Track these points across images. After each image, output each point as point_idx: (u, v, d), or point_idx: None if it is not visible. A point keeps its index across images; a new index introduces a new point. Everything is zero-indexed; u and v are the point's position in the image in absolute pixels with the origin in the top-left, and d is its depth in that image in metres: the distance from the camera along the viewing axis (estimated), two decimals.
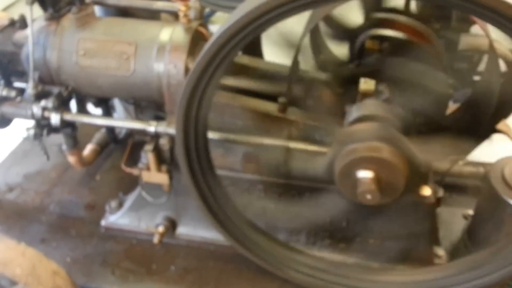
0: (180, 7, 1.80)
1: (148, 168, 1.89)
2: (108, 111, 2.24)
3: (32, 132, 1.87)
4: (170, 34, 1.82)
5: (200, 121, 1.60)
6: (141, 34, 1.86)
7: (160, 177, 1.89)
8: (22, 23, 2.01)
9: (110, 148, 2.60)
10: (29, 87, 1.86)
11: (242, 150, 1.88)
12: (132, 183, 2.49)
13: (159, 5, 1.95)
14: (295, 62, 1.85)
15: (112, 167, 2.64)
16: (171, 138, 1.83)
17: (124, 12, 2.10)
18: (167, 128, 1.80)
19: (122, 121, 1.95)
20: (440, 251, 1.96)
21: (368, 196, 1.55)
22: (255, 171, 1.94)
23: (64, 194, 2.48)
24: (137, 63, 1.82)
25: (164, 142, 1.82)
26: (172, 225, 2.13)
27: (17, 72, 2.03)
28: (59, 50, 1.87)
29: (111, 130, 2.42)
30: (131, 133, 2.50)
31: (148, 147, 1.83)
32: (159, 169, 1.88)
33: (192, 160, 1.67)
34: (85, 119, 1.89)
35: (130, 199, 2.23)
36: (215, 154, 1.90)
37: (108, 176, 2.59)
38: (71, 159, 2.21)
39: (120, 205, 2.27)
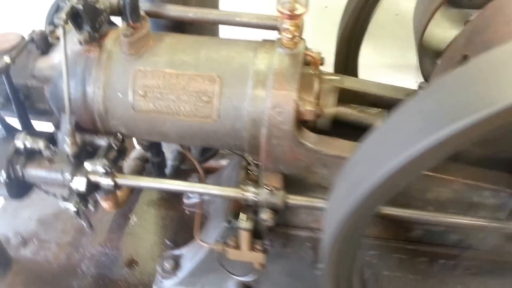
0: (285, 24, 1.25)
1: (237, 246, 1.40)
2: (158, 154, 1.71)
3: (72, 207, 1.33)
4: (269, 62, 1.29)
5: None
6: (225, 63, 1.31)
7: (254, 256, 1.40)
8: (41, 44, 1.42)
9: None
10: (66, 144, 1.31)
11: None
12: (179, 224, 2.01)
13: (247, 18, 1.39)
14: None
15: (150, 203, 2.13)
16: (273, 209, 1.33)
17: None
18: (272, 196, 1.30)
19: (203, 186, 1.42)
20: None
21: None
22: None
23: (95, 245, 1.97)
24: (222, 107, 1.29)
25: (267, 217, 1.31)
26: None
27: (37, 110, 1.47)
28: (107, 87, 1.32)
29: (158, 164, 1.87)
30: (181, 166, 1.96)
31: (243, 223, 1.33)
32: (253, 248, 1.38)
33: None
34: (151, 183, 1.36)
35: (190, 260, 1.74)
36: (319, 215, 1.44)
37: (146, 216, 2.08)
38: (106, 204, 1.68)
39: (177, 265, 1.77)
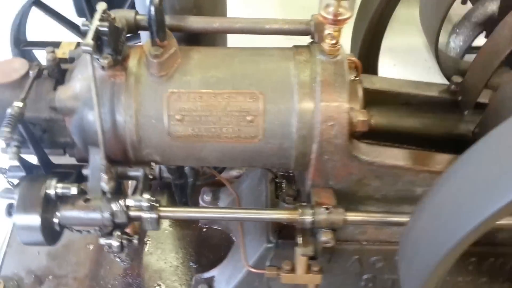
0: (328, 29, 1.17)
1: (291, 270, 1.31)
2: (181, 176, 1.60)
3: (116, 243, 1.22)
4: (312, 72, 1.20)
5: None
6: (265, 77, 1.21)
7: (310, 278, 1.32)
8: (54, 71, 1.29)
9: None
10: (102, 181, 1.19)
11: None
12: (199, 244, 1.91)
13: (277, 25, 1.29)
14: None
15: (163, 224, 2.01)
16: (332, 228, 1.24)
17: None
18: (331, 215, 1.21)
19: (256, 212, 1.31)
20: None
21: None
22: None
23: (115, 276, 1.84)
24: (268, 125, 1.19)
25: (328, 238, 1.21)
26: None
27: (56, 144, 1.34)
28: (139, 114, 1.20)
29: (181, 186, 1.75)
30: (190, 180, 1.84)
31: (301, 249, 1.24)
32: (309, 271, 1.30)
33: None
34: (197, 214, 1.26)
35: (226, 283, 1.64)
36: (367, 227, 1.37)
37: (162, 239, 1.96)
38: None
39: None
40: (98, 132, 1.16)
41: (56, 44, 2.64)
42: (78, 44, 1.49)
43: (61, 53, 1.44)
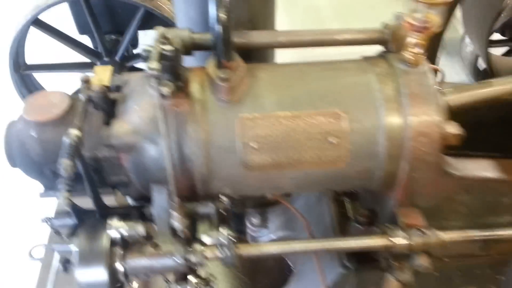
0: (413, 37, 1.06)
1: None
2: (242, 204, 1.49)
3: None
4: (395, 84, 1.09)
5: None
6: (345, 94, 1.10)
7: None
8: (102, 103, 1.15)
9: None
10: (174, 220, 1.06)
11: None
12: (253, 270, 1.80)
13: (349, 35, 1.18)
14: None
15: None
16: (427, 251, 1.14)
17: None
18: (427, 238, 1.11)
19: (344, 241, 1.18)
20: None
21: None
22: None
23: None
24: (353, 147, 1.08)
25: (426, 262, 1.10)
26: None
27: (108, 183, 1.20)
28: (209, 146, 1.07)
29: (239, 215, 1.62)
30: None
31: (397, 275, 1.13)
32: None
33: None
34: (279, 248, 1.13)
35: None
36: None
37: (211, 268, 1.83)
38: None
39: None
40: (167, 168, 1.03)
41: (60, 66, 2.49)
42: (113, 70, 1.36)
43: (97, 80, 1.29)
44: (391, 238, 1.11)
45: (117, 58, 2.42)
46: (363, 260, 1.32)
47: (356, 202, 1.44)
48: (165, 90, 1.04)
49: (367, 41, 1.18)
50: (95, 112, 1.16)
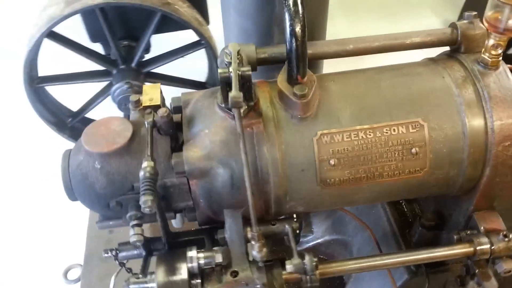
0: (494, 38, 1.02)
1: None
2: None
3: None
4: (474, 87, 1.05)
5: None
6: (423, 101, 1.06)
7: None
8: (167, 128, 1.09)
9: None
10: (253, 249, 1.01)
11: None
12: None
13: (420, 37, 1.13)
14: None
15: None
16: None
17: None
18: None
19: (425, 252, 1.14)
20: None
21: None
22: None
23: None
24: (435, 155, 1.05)
25: (510, 267, 1.08)
26: None
27: (172, 209, 1.15)
28: (285, 165, 1.02)
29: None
30: None
31: (484, 282, 1.10)
32: None
33: None
34: (363, 264, 1.10)
35: None
36: None
37: None
38: None
39: None
40: (248, 194, 0.98)
41: (75, 76, 2.40)
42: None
43: (147, 100, 1.22)
44: (476, 246, 1.08)
45: (133, 64, 2.33)
46: (430, 264, 1.29)
47: (413, 204, 1.41)
48: (242, 112, 0.99)
49: (436, 43, 1.13)
50: (161, 138, 1.10)
